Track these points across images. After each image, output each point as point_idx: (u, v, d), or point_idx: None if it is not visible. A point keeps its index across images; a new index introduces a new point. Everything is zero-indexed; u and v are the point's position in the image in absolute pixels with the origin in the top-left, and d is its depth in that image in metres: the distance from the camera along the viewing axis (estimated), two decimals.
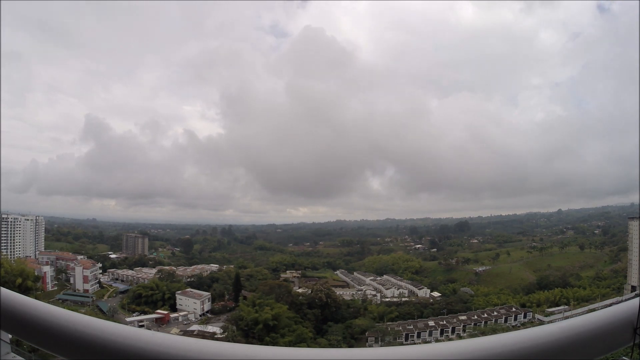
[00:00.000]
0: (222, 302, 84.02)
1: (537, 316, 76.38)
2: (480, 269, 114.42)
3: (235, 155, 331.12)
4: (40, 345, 2.22)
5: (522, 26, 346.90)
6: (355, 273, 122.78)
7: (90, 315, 4.17)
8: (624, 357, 2.30)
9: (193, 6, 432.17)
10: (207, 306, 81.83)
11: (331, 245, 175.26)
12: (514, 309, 79.31)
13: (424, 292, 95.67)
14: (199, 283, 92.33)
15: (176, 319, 74.82)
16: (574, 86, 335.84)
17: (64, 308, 2.47)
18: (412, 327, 72.62)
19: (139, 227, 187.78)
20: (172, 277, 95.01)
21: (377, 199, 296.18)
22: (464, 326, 73.01)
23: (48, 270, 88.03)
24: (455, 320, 75.25)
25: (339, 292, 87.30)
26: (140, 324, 68.23)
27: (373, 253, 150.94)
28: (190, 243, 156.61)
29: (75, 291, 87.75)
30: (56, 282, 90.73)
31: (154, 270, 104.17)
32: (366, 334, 68.67)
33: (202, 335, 60.34)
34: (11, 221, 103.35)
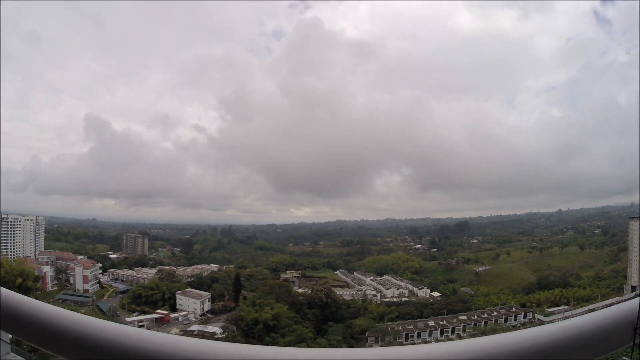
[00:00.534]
0: (222, 302, 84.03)
1: (537, 316, 76.39)
2: (480, 269, 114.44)
3: (237, 155, 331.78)
4: (40, 345, 2.22)
5: (520, 32, 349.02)
6: (355, 273, 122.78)
7: (90, 315, 4.17)
8: (624, 357, 2.30)
9: (198, 8, 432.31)
10: (207, 306, 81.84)
11: (331, 245, 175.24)
12: (514, 309, 79.31)
13: (424, 292, 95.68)
14: (199, 283, 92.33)
15: (176, 319, 74.82)
16: (572, 88, 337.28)
17: (64, 308, 2.48)
18: (412, 327, 72.63)
19: (139, 227, 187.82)
20: (172, 277, 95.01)
21: (378, 199, 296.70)
22: (464, 326, 73.02)
23: (48, 270, 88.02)
24: (455, 320, 75.26)
25: (339, 292, 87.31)
26: (140, 324, 68.23)
27: (373, 253, 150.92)
28: (190, 243, 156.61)
29: (75, 291, 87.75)
30: (56, 282, 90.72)
31: (154, 270, 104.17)
32: (366, 334, 68.69)
33: (202, 335, 60.35)
34: (11, 221, 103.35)
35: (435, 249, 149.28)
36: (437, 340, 67.06)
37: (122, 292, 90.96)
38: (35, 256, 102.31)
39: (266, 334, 62.61)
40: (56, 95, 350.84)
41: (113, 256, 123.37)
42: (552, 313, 76.40)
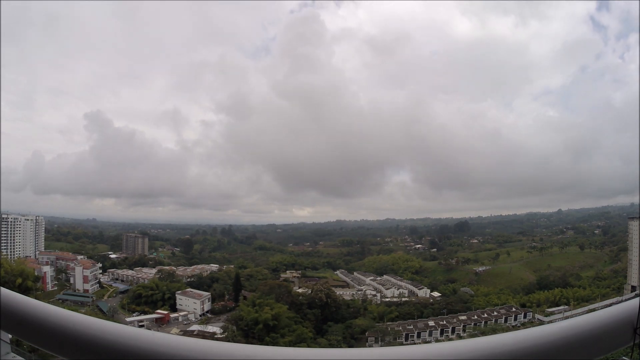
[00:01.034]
0: (222, 302, 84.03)
1: (537, 316, 76.39)
2: (480, 269, 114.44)
3: (239, 155, 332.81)
4: (40, 345, 2.22)
5: (516, 38, 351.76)
6: (355, 273, 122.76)
7: (90, 315, 4.17)
8: (624, 357, 2.30)
9: (203, 12, 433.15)
10: (207, 306, 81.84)
11: (331, 245, 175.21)
12: (514, 309, 79.30)
13: (424, 292, 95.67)
14: (199, 283, 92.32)
15: (176, 319, 74.83)
16: (570, 90, 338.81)
17: (64, 308, 2.47)
18: (412, 327, 72.62)
19: (139, 227, 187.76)
20: (172, 277, 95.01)
21: (379, 199, 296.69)
22: (464, 326, 73.02)
23: (48, 270, 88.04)
24: (455, 320, 75.25)
25: (339, 292, 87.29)
26: (140, 324, 68.24)
27: (373, 253, 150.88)
28: (190, 243, 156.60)
29: (75, 291, 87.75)
30: (56, 282, 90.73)
31: (154, 270, 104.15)
32: (366, 334, 68.69)
33: (202, 335, 60.35)
34: (11, 221, 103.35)
35: (435, 249, 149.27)
36: (437, 340, 67.07)
37: (122, 292, 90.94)
38: (35, 256, 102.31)
39: (266, 334, 62.61)
40: (59, 96, 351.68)
41: (113, 256, 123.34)
42: (552, 313, 76.39)
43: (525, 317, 77.13)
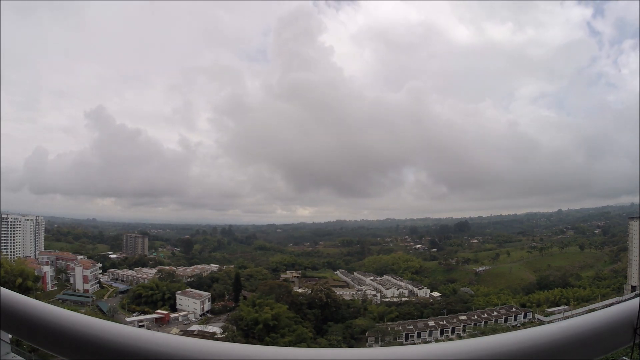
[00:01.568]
0: (222, 302, 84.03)
1: (537, 316, 76.39)
2: (480, 269, 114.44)
3: (242, 154, 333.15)
4: (40, 345, 2.22)
5: (514, 44, 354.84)
6: (355, 273, 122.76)
7: (90, 315, 4.17)
8: (624, 357, 2.30)
9: (208, 14, 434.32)
10: (207, 306, 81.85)
11: (331, 245, 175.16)
12: (514, 309, 79.31)
13: (424, 292, 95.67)
14: (199, 283, 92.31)
15: (176, 319, 74.84)
16: (567, 93, 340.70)
17: (64, 308, 2.48)
18: (412, 327, 72.63)
19: (139, 227, 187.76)
20: (172, 277, 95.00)
21: (380, 199, 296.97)
22: (464, 326, 73.03)
23: (48, 270, 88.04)
24: (455, 320, 75.26)
25: (339, 292, 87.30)
26: (140, 324, 68.25)
27: (373, 253, 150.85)
28: (190, 243, 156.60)
29: (75, 291, 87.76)
30: (56, 282, 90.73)
31: (154, 270, 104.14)
32: (366, 334, 68.69)
33: (202, 335, 60.37)
34: (11, 221, 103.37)
35: (435, 249, 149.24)
36: (437, 340, 67.07)
37: (122, 292, 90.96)
38: (35, 256, 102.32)
39: (266, 334, 62.61)
40: (62, 97, 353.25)
41: (113, 256, 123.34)
42: (552, 313, 76.40)
43: (525, 317, 77.12)
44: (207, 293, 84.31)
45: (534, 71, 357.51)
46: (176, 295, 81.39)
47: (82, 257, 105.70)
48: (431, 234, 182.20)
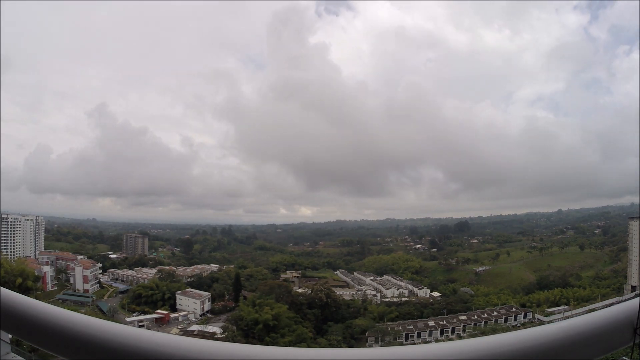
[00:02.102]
0: (222, 302, 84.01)
1: (537, 316, 76.39)
2: (480, 269, 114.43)
3: (242, 155, 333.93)
4: (40, 345, 2.22)
5: (510, 49, 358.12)
6: (355, 273, 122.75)
7: (90, 315, 4.17)
8: (624, 357, 2.30)
9: (213, 18, 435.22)
10: (207, 306, 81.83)
11: (331, 245, 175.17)
12: (514, 309, 79.30)
13: (424, 292, 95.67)
14: (199, 283, 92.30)
15: (176, 319, 74.81)
16: (565, 95, 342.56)
17: (64, 308, 2.47)
18: (412, 327, 72.63)
19: (139, 227, 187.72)
20: (172, 277, 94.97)
21: (383, 199, 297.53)
22: (464, 326, 73.01)
23: (48, 270, 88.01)
24: (455, 320, 75.25)
25: (339, 292, 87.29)
26: (140, 324, 68.23)
27: (373, 253, 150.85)
28: (190, 243, 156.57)
29: (75, 291, 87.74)
30: (56, 282, 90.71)
31: (154, 270, 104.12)
32: (366, 334, 68.68)
33: (202, 335, 60.37)
34: (11, 221, 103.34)
35: (435, 249, 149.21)
36: (437, 340, 67.08)
37: (122, 292, 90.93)
38: (35, 256, 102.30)
39: (266, 334, 62.61)
40: (65, 98, 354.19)
41: (113, 256, 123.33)
42: (552, 313, 76.39)
43: (525, 317, 77.10)
44: (207, 293, 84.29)
45: (531, 75, 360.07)
46: (176, 295, 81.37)
47: (82, 257, 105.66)
48: (431, 234, 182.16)
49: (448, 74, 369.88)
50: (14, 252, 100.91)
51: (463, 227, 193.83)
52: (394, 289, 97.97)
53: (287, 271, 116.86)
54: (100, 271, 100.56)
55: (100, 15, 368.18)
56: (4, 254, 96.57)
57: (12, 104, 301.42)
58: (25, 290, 67.25)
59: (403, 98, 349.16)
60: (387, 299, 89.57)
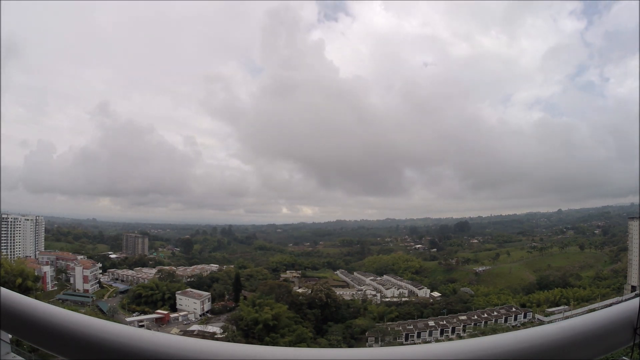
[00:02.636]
0: (222, 302, 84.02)
1: (537, 316, 76.40)
2: (480, 269, 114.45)
3: (244, 154, 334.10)
4: (40, 345, 2.21)
5: (507, 52, 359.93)
6: (355, 273, 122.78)
7: (90, 315, 4.17)
8: (624, 357, 2.30)
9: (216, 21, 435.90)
10: (207, 306, 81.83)
11: (331, 245, 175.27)
12: (514, 309, 79.31)
13: (424, 292, 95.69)
14: (199, 283, 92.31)
15: (176, 319, 74.82)
16: (564, 96, 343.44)
17: (64, 308, 2.47)
18: (412, 327, 72.63)
19: (139, 227, 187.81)
20: (172, 277, 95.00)
21: (384, 198, 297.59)
22: (464, 326, 73.02)
23: (48, 270, 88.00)
24: (455, 320, 75.26)
25: (339, 292, 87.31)
26: (140, 324, 68.22)
27: (373, 253, 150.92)
28: (190, 243, 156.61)
29: (75, 291, 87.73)
30: (56, 282, 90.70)
31: (154, 270, 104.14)
32: (366, 334, 68.69)
33: (202, 335, 60.35)
34: (11, 221, 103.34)
35: (435, 249, 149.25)
36: (437, 340, 67.07)
37: (122, 292, 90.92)
38: (35, 256, 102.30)
39: (266, 334, 62.61)
40: (68, 100, 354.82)
41: (113, 256, 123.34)
42: (552, 313, 76.40)
43: (525, 317, 77.11)
44: (207, 293, 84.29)
45: (529, 78, 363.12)
46: (176, 295, 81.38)
47: (82, 257, 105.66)
48: (431, 234, 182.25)
49: (447, 77, 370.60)
50: (14, 252, 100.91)
51: (463, 227, 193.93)
52: (394, 289, 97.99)
53: (287, 271, 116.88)
54: (100, 271, 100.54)
55: (102, 18, 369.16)
56: (4, 254, 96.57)
57: (15, 104, 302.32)
58: (25, 290, 67.25)
59: (403, 99, 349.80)
60: (387, 299, 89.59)
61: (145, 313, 76.62)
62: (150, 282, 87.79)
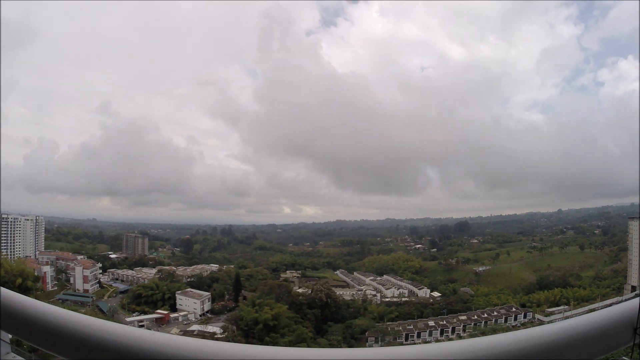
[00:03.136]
0: (222, 302, 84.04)
1: (537, 316, 76.42)
2: (480, 269, 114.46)
3: (245, 154, 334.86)
4: (40, 345, 2.22)
5: (507, 57, 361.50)
6: (355, 273, 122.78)
7: (90, 315, 4.17)
8: (624, 357, 2.30)
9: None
10: (207, 306, 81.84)
11: (331, 245, 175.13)
12: (514, 309, 79.33)
13: (424, 292, 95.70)
14: (199, 283, 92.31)
15: (176, 319, 74.83)
16: (563, 98, 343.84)
17: (64, 308, 2.48)
18: (412, 327, 72.65)
19: (139, 227, 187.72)
20: (172, 277, 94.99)
21: (386, 197, 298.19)
22: (464, 326, 73.04)
23: (48, 270, 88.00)
24: (455, 320, 75.27)
25: (339, 292, 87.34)
26: (140, 324, 68.23)
27: (373, 253, 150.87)
28: (190, 243, 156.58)
29: (75, 291, 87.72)
30: (56, 282, 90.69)
31: (154, 270, 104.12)
32: (366, 334, 68.71)
33: (202, 335, 60.35)
34: (11, 221, 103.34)
35: (435, 249, 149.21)
36: (437, 340, 67.09)
37: (122, 292, 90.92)
38: (35, 256, 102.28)
39: (266, 334, 62.61)
40: (71, 101, 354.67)
41: (113, 256, 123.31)
42: (552, 313, 76.42)
43: (525, 317, 77.14)
44: (207, 293, 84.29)
45: (526, 81, 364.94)
46: (176, 295, 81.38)
47: (82, 257, 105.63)
48: (431, 234, 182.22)
49: (446, 79, 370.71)
50: (14, 252, 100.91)
51: (463, 227, 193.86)
52: (394, 289, 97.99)
53: (287, 271, 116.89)
54: (100, 271, 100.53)
55: (103, 20, 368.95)
56: (4, 254, 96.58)
57: (17, 104, 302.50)
58: (25, 290, 67.27)
59: (404, 100, 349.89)
60: (387, 299, 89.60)
61: (145, 313, 76.62)
62: (150, 282, 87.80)
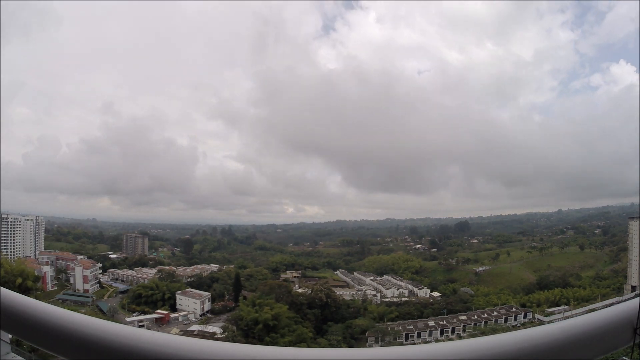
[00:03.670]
0: (222, 302, 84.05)
1: (537, 316, 76.42)
2: (480, 269, 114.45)
3: (245, 154, 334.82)
4: (40, 345, 2.22)
5: (504, 60, 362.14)
6: (355, 273, 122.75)
7: (90, 315, 4.17)
8: (624, 357, 2.30)
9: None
10: (207, 306, 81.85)
11: (331, 245, 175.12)
12: (514, 309, 79.33)
13: (424, 292, 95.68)
14: (199, 283, 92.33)
15: (176, 319, 74.84)
16: (563, 98, 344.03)
17: (64, 308, 2.48)
18: (412, 327, 72.65)
19: (139, 227, 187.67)
20: (172, 277, 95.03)
21: (389, 196, 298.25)
22: (464, 326, 73.04)
23: (48, 270, 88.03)
24: (455, 320, 75.28)
25: (339, 292, 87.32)
26: (140, 324, 68.25)
27: (373, 253, 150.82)
28: (190, 243, 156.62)
29: (75, 291, 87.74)
30: (56, 282, 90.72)
31: (154, 270, 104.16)
32: (366, 334, 68.70)
33: (202, 335, 60.38)
34: (11, 221, 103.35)
35: (435, 249, 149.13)
36: (437, 340, 67.10)
37: (122, 292, 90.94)
38: (35, 256, 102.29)
39: (266, 334, 62.63)
40: (73, 101, 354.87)
41: (113, 256, 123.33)
42: (552, 313, 76.42)
43: (525, 317, 77.14)
44: (207, 293, 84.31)
45: (525, 84, 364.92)
46: (176, 295, 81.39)
47: (82, 257, 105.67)
48: (431, 234, 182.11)
49: (445, 81, 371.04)
50: (14, 252, 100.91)
51: (463, 227, 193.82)
52: (394, 289, 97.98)
53: (287, 271, 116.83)
54: (100, 271, 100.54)
55: (106, 23, 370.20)
56: (4, 254, 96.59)
57: (18, 105, 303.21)
58: (25, 290, 67.27)
59: (404, 100, 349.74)
60: (387, 299, 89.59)
61: (145, 313, 76.63)
62: (150, 282, 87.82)
